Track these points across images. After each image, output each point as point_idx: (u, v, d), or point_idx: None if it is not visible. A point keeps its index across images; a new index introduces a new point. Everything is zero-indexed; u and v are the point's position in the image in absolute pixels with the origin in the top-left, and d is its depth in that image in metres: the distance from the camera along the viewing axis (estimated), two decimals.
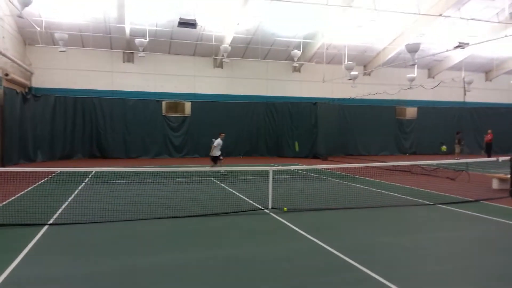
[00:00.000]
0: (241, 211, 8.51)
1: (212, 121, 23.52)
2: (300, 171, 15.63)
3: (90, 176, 13.85)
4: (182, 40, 22.24)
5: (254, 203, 9.36)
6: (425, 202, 9.94)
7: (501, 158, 10.88)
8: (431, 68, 28.51)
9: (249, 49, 23.86)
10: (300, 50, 22.44)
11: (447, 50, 22.50)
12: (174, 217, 7.98)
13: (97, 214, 8.00)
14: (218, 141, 14.81)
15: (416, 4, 19.60)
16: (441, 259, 5.65)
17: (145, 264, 5.30)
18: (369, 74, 27.44)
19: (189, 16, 17.30)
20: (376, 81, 27.14)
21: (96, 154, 22.09)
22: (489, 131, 23.17)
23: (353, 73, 22.98)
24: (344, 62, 22.21)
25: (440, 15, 19.33)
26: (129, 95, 22.84)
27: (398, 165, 14.38)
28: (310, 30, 22.46)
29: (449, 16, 19.30)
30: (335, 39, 23.19)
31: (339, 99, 25.95)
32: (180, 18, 16.67)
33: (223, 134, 15.13)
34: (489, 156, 21.88)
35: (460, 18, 19.78)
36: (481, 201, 10.04)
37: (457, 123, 27.06)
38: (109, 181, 12.62)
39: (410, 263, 5.53)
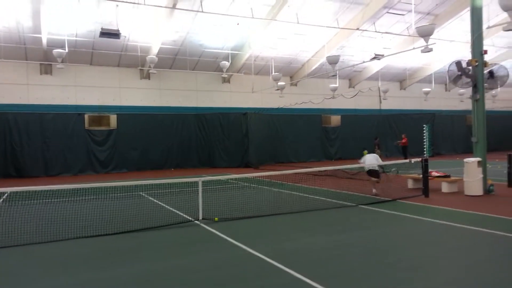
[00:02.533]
0: (171, 224, 8.33)
1: (140, 133, 22.85)
2: (231, 180, 15.70)
3: (4, 196, 12.71)
4: (106, 51, 21.41)
5: (185, 215, 9.22)
6: (349, 203, 10.50)
7: (413, 160, 11.84)
8: (351, 78, 30.33)
9: (177, 60, 23.63)
10: (228, 61, 22.72)
11: (363, 62, 24.08)
12: (99, 235, 7.59)
13: (13, 237, 7.36)
14: None
15: (335, 18, 20.91)
16: (364, 256, 5.99)
17: (67, 285, 4.97)
18: (296, 85, 28.48)
19: (112, 26, 16.73)
20: (302, 91, 28.25)
21: (12, 173, 20.31)
22: (403, 135, 25.10)
23: (281, 83, 23.77)
24: (272, 73, 22.89)
25: (357, 29, 20.74)
26: (47, 109, 21.38)
27: (324, 170, 14.97)
28: (238, 42, 22.84)
29: (365, 30, 20.77)
30: (262, 51, 23.82)
31: (268, 109, 26.60)
32: (102, 28, 16.05)
33: None
34: (405, 158, 23.70)
35: (375, 32, 21.42)
36: (398, 200, 10.84)
37: (376, 129, 29.04)
38: (26, 201, 11.67)
39: (334, 262, 5.78)
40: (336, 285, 4.77)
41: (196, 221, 8.57)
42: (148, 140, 23.11)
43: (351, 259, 5.86)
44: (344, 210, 9.83)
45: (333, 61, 16.38)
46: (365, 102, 29.87)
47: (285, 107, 26.50)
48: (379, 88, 21.23)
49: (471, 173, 11.37)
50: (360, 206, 10.17)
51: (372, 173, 12.14)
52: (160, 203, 11.32)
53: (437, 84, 30.65)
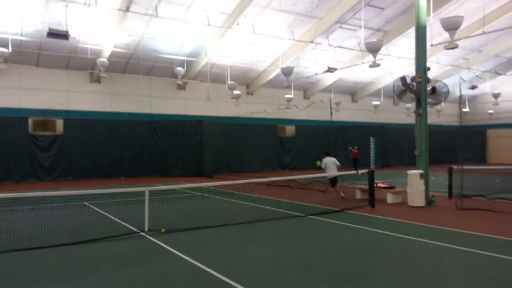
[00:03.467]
0: (114, 236, 7.97)
1: (89, 140, 21.94)
2: (182, 190, 15.39)
3: None
4: (53, 52, 20.44)
5: (130, 226, 8.87)
6: (298, 214, 10.58)
7: (360, 171, 12.17)
8: (306, 90, 30.95)
9: (130, 65, 23.02)
10: (184, 68, 22.43)
11: (316, 74, 24.66)
12: (32, 248, 7.09)
13: None
14: None
15: (291, 31, 21.29)
16: (306, 266, 6.01)
17: None
18: (252, 94, 28.63)
19: (60, 27, 15.98)
20: (258, 100, 28.44)
21: None
22: (355, 147, 25.87)
23: (236, 92, 23.79)
24: (228, 81, 22.86)
25: (312, 41, 21.23)
26: None
27: (277, 180, 15.07)
28: (194, 49, 22.62)
29: (319, 43, 21.30)
30: (219, 58, 23.75)
31: (223, 118, 26.51)
32: (49, 29, 15.27)
33: None
34: (355, 169, 24.42)
35: (329, 45, 22.05)
36: (346, 211, 11.07)
37: (329, 140, 29.70)
38: None
39: (277, 273, 5.76)
40: None
41: (142, 233, 8.27)
42: (97, 146, 22.23)
43: (290, 271, 5.86)
44: (293, 221, 9.89)
45: (287, 72, 16.64)
46: (319, 113, 30.54)
47: (240, 116, 26.55)
48: (330, 100, 21.74)
49: (414, 184, 11.86)
50: (309, 216, 10.28)
51: (332, 180, 13.36)
52: (105, 213, 10.84)
53: (386, 98, 32.00)
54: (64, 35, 14.93)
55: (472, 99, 37.06)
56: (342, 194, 13.40)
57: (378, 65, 13.11)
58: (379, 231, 8.45)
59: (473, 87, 28.41)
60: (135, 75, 23.33)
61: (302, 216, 10.36)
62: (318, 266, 6.13)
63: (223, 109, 26.76)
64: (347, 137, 30.69)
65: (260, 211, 11.12)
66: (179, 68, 21.83)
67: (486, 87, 32.67)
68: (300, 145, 29.54)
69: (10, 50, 17.26)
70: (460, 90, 14.29)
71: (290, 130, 29.87)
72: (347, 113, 32.31)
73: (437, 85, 11.95)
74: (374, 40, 14.15)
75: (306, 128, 30.08)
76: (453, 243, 7.27)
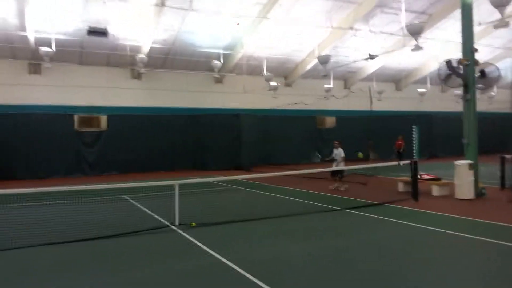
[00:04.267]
0: (146, 230, 7.96)
1: (130, 135, 22.44)
2: (216, 184, 15.32)
3: None
4: (94, 50, 21.06)
5: (162, 220, 8.86)
6: (335, 207, 10.15)
7: (402, 162, 11.50)
8: (346, 79, 30.00)
9: (168, 60, 23.30)
10: (220, 61, 22.38)
11: (355, 61, 23.61)
12: (67, 242, 7.21)
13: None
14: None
15: (328, 18, 20.58)
16: (336, 266, 5.65)
17: None
18: (290, 85, 28.13)
19: (99, 25, 16.38)
20: (296, 92, 27.87)
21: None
22: (399, 137, 24.70)
23: (273, 84, 23.43)
24: (264, 73, 22.56)
25: (351, 28, 20.43)
26: (36, 109, 20.97)
27: (313, 172, 14.63)
28: (230, 41, 22.50)
29: (359, 30, 20.43)
30: (256, 50, 23.47)
31: (261, 110, 26.24)
32: (89, 27, 15.69)
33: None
34: (400, 160, 23.35)
35: (369, 31, 21.11)
36: (386, 204, 10.48)
37: (371, 131, 28.57)
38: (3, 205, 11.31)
39: (304, 273, 5.43)
40: None
41: (172, 226, 8.21)
42: (139, 141, 22.71)
43: (322, 270, 5.52)
44: (328, 215, 9.50)
45: (323, 60, 16.10)
46: (360, 103, 29.40)
47: (278, 108, 26.15)
48: (369, 88, 20.76)
49: (462, 176, 11.04)
50: (345, 210, 9.83)
51: (337, 172, 13.31)
52: (140, 206, 10.96)
53: (433, 85, 30.33)
54: (103, 33, 15.29)
55: None
56: (336, 185, 13.40)
57: (421, 48, 12.30)
58: (420, 226, 7.89)
59: None
60: (173, 70, 23.61)
61: (338, 209, 9.92)
62: (351, 264, 5.74)
63: (261, 102, 26.45)
64: (391, 127, 29.37)
65: (294, 205, 10.81)
66: (216, 62, 21.81)
67: None
68: (340, 137, 28.51)
69: (54, 49, 17.92)
70: None
71: (330, 121, 29.07)
72: (391, 102, 30.92)
73: (486, 68, 10.99)
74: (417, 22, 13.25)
75: (346, 118, 29.12)
76: (504, 239, 6.61)
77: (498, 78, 10.77)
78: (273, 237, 7.52)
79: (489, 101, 30.01)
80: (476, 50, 10.65)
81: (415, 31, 12.08)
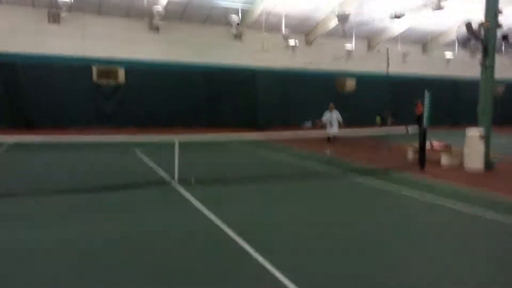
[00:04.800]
0: (143, 184, 8.18)
1: (148, 89, 22.57)
2: (225, 141, 15.42)
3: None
4: (113, 0, 20.80)
5: (163, 175, 9.08)
6: (338, 172, 10.15)
7: (410, 129, 11.21)
8: (371, 39, 28.84)
9: (187, 13, 22.84)
10: (239, 16, 21.81)
11: (377, 20, 22.36)
12: (66, 192, 7.53)
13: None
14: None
15: None
16: (323, 230, 5.71)
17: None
18: (311, 44, 27.31)
19: None
20: (317, 52, 27.05)
21: (19, 124, 20.53)
22: (418, 103, 23.94)
23: (292, 43, 22.75)
24: (283, 30, 21.91)
25: None
26: (55, 60, 21.22)
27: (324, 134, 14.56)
28: None
29: None
30: (275, 6, 22.68)
31: (280, 70, 25.74)
32: None
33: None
34: (420, 126, 22.75)
35: None
36: (391, 170, 10.35)
37: (392, 95, 27.74)
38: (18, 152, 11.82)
39: (290, 234, 5.51)
40: (277, 259, 4.49)
41: (172, 182, 8.39)
42: (156, 96, 22.85)
43: (308, 232, 5.59)
44: (330, 179, 9.50)
45: (343, 18, 15.43)
46: (384, 65, 28.45)
47: (297, 68, 25.56)
48: (387, 50, 19.72)
49: (472, 145, 10.73)
50: (349, 175, 9.80)
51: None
52: (148, 161, 11.20)
53: (461, 49, 28.77)
54: None
55: None
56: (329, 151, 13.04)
57: (442, 8, 11.58)
58: (415, 195, 7.79)
59: None
60: (192, 23, 23.18)
61: (342, 174, 9.91)
62: (332, 228, 5.79)
63: (280, 60, 25.83)
64: (413, 92, 28.40)
65: (300, 168, 10.82)
66: (234, 16, 21.23)
67: None
68: (360, 100, 28.00)
69: None
70: None
71: (350, 83, 28.31)
72: (416, 65, 29.71)
73: (510, 32, 10.31)
74: None
75: (367, 81, 28.27)
76: (497, 210, 6.49)
77: None
78: (268, 198, 7.61)
79: None
80: (500, 12, 9.94)
81: None
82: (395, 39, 27.80)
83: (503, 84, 30.47)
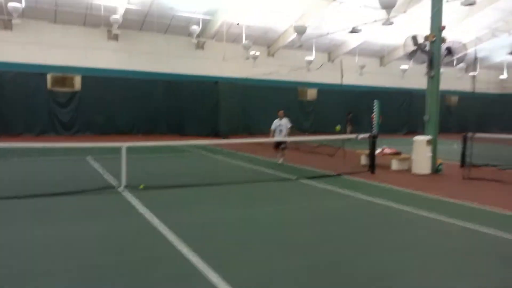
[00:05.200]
0: (90, 190, 7.97)
1: (107, 97, 22.15)
2: (182, 148, 15.35)
3: None
4: (69, 9, 20.38)
5: (110, 181, 8.90)
6: (291, 177, 10.27)
7: (360, 136, 11.56)
8: (330, 52, 29.68)
9: (147, 23, 22.70)
10: (200, 27, 21.88)
11: (328, 33, 22.85)
12: (12, 198, 7.23)
13: None
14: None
15: None
16: (265, 231, 5.77)
17: None
18: (273, 55, 27.76)
19: None
20: (279, 62, 27.53)
21: None
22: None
23: (254, 53, 23.08)
24: (243, 41, 22.17)
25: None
26: (8, 67, 20.45)
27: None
28: (211, 7, 21.94)
29: (342, 2, 19.98)
30: (237, 18, 22.95)
31: (243, 79, 25.97)
32: None
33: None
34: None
35: (353, 4, 20.68)
36: (342, 176, 10.60)
37: (353, 105, 28.58)
38: None
39: (232, 237, 5.54)
40: (216, 261, 4.49)
41: (119, 188, 8.22)
42: (115, 104, 22.46)
43: (249, 235, 5.63)
44: (281, 183, 9.61)
45: (300, 30, 15.83)
46: (345, 77, 29.24)
47: (260, 78, 25.88)
48: (341, 62, 20.38)
49: (419, 151, 11.19)
50: (300, 180, 9.94)
51: (278, 144, 12.59)
52: (97, 167, 10.93)
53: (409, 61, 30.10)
54: None
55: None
56: (281, 160, 12.70)
57: (391, 23, 12.13)
58: (363, 197, 8.02)
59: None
60: (152, 33, 23.05)
61: (292, 179, 10.04)
62: (274, 230, 5.87)
63: (243, 70, 26.11)
64: (371, 102, 29.37)
65: (253, 173, 10.89)
66: (194, 27, 21.33)
67: None
68: (321, 109, 28.66)
69: (24, 5, 17.31)
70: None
71: (311, 93, 28.93)
72: (375, 77, 30.83)
73: (452, 46, 10.93)
74: None
75: (327, 92, 29.00)
76: (439, 212, 6.78)
77: (464, 56, 10.72)
78: (216, 202, 7.60)
79: (472, 81, 30.00)
80: (443, 27, 10.54)
81: (387, 5, 11.88)
82: (353, 52, 28.73)
83: (457, 95, 32.09)
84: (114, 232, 5.56)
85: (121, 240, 5.24)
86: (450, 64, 11.34)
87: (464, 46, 11.16)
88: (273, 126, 12.67)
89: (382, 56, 31.28)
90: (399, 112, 29.89)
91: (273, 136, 12.52)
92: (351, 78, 30.10)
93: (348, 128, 24.66)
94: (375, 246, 5.18)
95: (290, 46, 26.85)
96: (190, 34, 23.21)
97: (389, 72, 31.72)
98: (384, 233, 5.81)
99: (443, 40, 10.99)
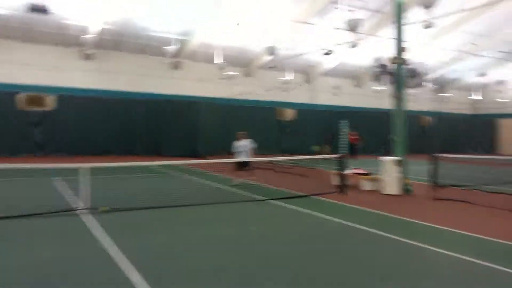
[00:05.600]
0: (52, 212, 7.76)
1: (81, 117, 21.88)
2: (152, 168, 15.18)
3: None
4: (40, 28, 20.25)
5: (72, 204, 8.68)
6: (261, 198, 10.24)
7: (327, 156, 11.65)
8: (307, 73, 30.14)
9: (123, 43, 22.74)
10: (177, 47, 22.02)
11: (302, 54, 23.31)
12: None
13: None
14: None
15: (285, 9, 20.56)
16: (219, 254, 5.69)
17: None
18: (250, 76, 28.02)
19: (40, 1, 15.73)
20: (256, 82, 27.82)
21: None
22: (353, 132, 25.13)
23: (228, 72, 23.26)
24: (219, 61, 22.38)
25: (307, 22, 20.46)
26: None
27: (256, 161, 14.70)
28: (187, 28, 22.15)
29: (312, 24, 20.46)
30: (214, 39, 23.21)
31: (220, 99, 26.06)
32: (28, 3, 15.03)
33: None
34: (353, 156, 23.72)
35: (326, 26, 21.19)
36: (313, 196, 10.60)
37: (330, 125, 28.92)
38: None
39: (183, 261, 5.44)
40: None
41: (79, 210, 8.02)
42: (90, 124, 22.18)
43: (199, 260, 5.55)
44: (249, 205, 9.58)
45: (270, 51, 16.10)
46: (321, 97, 29.78)
47: (237, 98, 26.06)
48: (314, 83, 20.70)
49: (388, 172, 11.34)
50: (270, 201, 9.91)
51: (241, 165, 12.24)
52: (62, 189, 10.69)
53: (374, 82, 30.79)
54: (43, 10, 14.66)
55: (484, 87, 35.44)
56: (239, 180, 12.42)
57: (356, 45, 12.44)
58: (328, 217, 8.05)
59: (482, 75, 27.14)
60: (129, 53, 23.06)
61: (263, 200, 10.01)
62: (231, 254, 5.80)
63: (220, 90, 26.26)
64: (349, 123, 29.79)
65: (220, 193, 10.83)
66: (170, 47, 21.44)
67: (497, 74, 31.23)
68: (300, 129, 28.87)
69: None
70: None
71: (290, 113, 29.18)
72: (351, 98, 31.36)
73: (416, 68, 11.26)
74: (358, 18, 13.43)
75: (306, 112, 29.32)
76: (392, 232, 6.84)
77: (425, 77, 11.04)
78: (179, 224, 7.50)
79: (441, 102, 30.90)
80: (404, 49, 10.88)
81: (352, 27, 12.22)
82: (330, 73, 29.28)
83: (431, 115, 32.86)
84: (61, 257, 5.38)
85: (66, 266, 5.06)
86: (416, 85, 11.61)
87: (428, 69, 11.48)
88: (233, 149, 12.57)
89: (357, 76, 31.92)
90: (377, 133, 30.32)
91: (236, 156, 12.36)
92: (328, 99, 30.69)
93: (326, 148, 24.86)
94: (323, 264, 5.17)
95: (267, 67, 27.20)
96: (165, 55, 23.31)
97: (365, 93, 32.31)
98: (329, 252, 5.81)
99: (404, 62, 11.26)
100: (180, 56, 23.53)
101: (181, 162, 11.35)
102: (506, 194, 10.54)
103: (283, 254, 5.79)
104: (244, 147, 12.37)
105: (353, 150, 25.19)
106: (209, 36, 22.79)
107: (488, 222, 8.12)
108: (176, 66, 25.18)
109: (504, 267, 5.21)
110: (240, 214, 8.58)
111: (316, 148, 28.86)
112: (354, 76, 31.95)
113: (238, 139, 12.61)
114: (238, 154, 12.30)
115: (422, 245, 6.18)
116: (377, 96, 31.42)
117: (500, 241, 6.52)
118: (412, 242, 6.36)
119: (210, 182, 13.13)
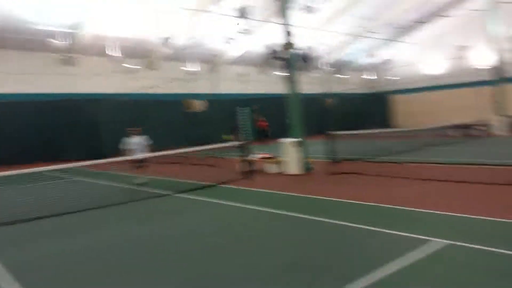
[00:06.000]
0: None
1: None
2: (47, 174, 14.14)
3: None
4: None
5: None
6: (165, 192, 10.06)
7: (227, 144, 11.84)
8: (212, 62, 30.02)
9: (5, 39, 20.42)
10: (67, 41, 20.41)
11: (199, 44, 23.04)
12: None
13: None
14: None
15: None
16: (104, 255, 5.50)
17: None
18: (153, 69, 27.09)
19: None
20: (161, 75, 26.97)
21: None
22: (260, 119, 25.77)
23: (131, 66, 22.29)
24: (116, 54, 21.27)
25: (204, 10, 20.27)
26: None
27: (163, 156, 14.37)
28: (75, 20, 20.57)
29: (209, 11, 20.31)
30: (109, 31, 21.91)
31: (123, 94, 24.84)
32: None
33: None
34: (264, 141, 24.33)
35: (224, 15, 21.16)
36: (220, 185, 10.64)
37: (236, 114, 29.19)
38: None
39: (69, 270, 5.16)
40: None
41: None
42: None
43: (101, 264, 5.32)
44: (151, 201, 9.34)
45: (165, 42, 15.75)
46: (228, 86, 29.92)
47: (141, 92, 25.07)
48: (217, 71, 20.70)
49: (288, 153, 11.84)
50: (176, 194, 9.77)
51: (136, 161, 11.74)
52: None
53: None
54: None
55: (375, 67, 38.45)
56: (144, 179, 11.85)
57: (250, 32, 12.68)
58: (230, 203, 8.20)
59: (371, 55, 29.48)
60: (10, 50, 20.81)
61: (167, 194, 9.84)
62: (116, 255, 5.64)
63: (124, 86, 24.99)
64: (259, 109, 30.43)
65: (128, 193, 10.41)
66: (58, 41, 19.79)
67: (386, 54, 34.12)
68: (207, 120, 28.77)
69: None
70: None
71: (197, 104, 28.88)
72: (257, 85, 31.94)
73: (307, 52, 11.84)
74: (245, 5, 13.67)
75: (213, 101, 29.28)
76: (297, 210, 7.21)
77: (316, 61, 11.66)
78: (74, 230, 7.09)
79: (342, 83, 32.96)
80: (291, 34, 11.36)
81: (243, 14, 12.42)
82: (235, 62, 29.48)
83: (331, 96, 34.86)
84: None
85: None
86: (308, 69, 12.22)
87: (321, 52, 12.14)
88: (124, 146, 12.00)
89: (261, 64, 32.56)
90: (280, 117, 31.28)
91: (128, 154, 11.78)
92: (235, 87, 30.99)
93: (234, 137, 25.09)
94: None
95: (170, 58, 26.50)
96: (55, 50, 21.47)
97: (270, 80, 33.11)
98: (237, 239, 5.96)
99: (292, 46, 11.72)
100: (72, 51, 21.82)
101: (63, 166, 10.44)
102: (390, 162, 11.66)
103: (181, 249, 5.77)
104: (137, 144, 11.87)
105: (264, 136, 25.86)
106: (102, 28, 21.44)
107: (367, 190, 8.76)
108: (68, 62, 23.23)
109: (373, 226, 5.81)
110: (137, 212, 8.35)
111: (227, 137, 29.04)
112: (259, 64, 32.54)
113: (129, 135, 12.07)
114: (130, 151, 11.74)
115: (316, 218, 6.60)
116: (281, 82, 32.50)
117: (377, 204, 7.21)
118: (306, 216, 6.75)
119: (115, 183, 12.55)
